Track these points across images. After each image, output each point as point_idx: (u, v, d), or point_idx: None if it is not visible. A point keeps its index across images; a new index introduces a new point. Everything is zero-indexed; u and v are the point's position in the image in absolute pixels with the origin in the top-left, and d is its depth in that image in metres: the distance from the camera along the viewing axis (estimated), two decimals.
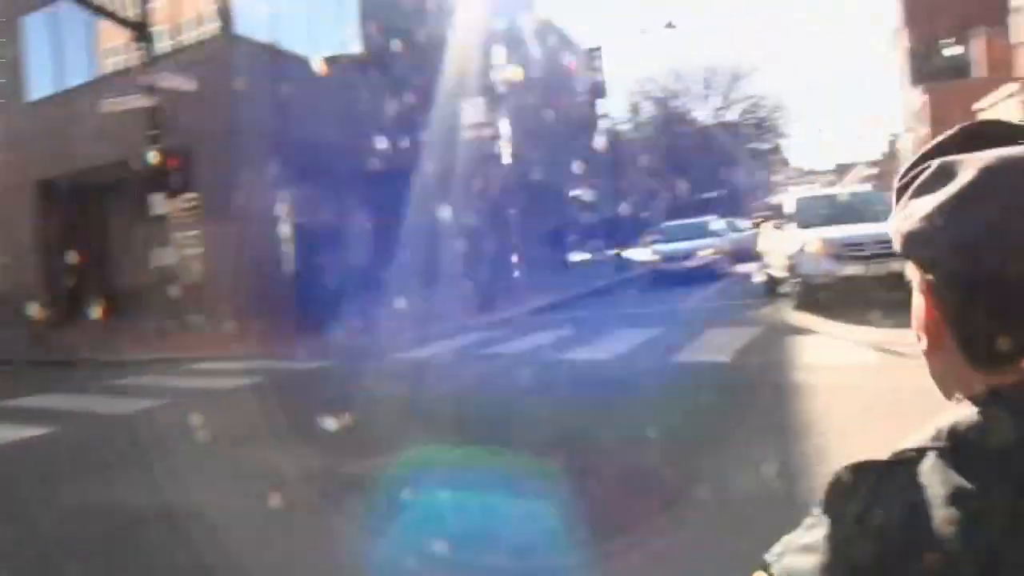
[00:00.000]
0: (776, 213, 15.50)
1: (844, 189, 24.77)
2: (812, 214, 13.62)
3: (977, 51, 58.14)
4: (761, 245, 15.82)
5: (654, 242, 22.95)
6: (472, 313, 15.46)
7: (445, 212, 17.62)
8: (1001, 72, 49.30)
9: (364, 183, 16.69)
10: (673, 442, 5.59)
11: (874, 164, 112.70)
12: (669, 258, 21.28)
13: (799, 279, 12.45)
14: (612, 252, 25.22)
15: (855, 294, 11.44)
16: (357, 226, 16.60)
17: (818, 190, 18.87)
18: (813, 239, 12.36)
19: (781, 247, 13.72)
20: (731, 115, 49.02)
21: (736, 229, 27.48)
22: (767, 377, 7.78)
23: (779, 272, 13.88)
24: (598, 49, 31.61)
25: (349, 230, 16.54)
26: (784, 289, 13.62)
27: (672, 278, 20.28)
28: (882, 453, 0.72)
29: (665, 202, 41.47)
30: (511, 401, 7.82)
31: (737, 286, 18.26)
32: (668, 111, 47.30)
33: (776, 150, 64.44)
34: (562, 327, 13.41)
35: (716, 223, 25.49)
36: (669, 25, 31.56)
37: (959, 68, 61.25)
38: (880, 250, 11.49)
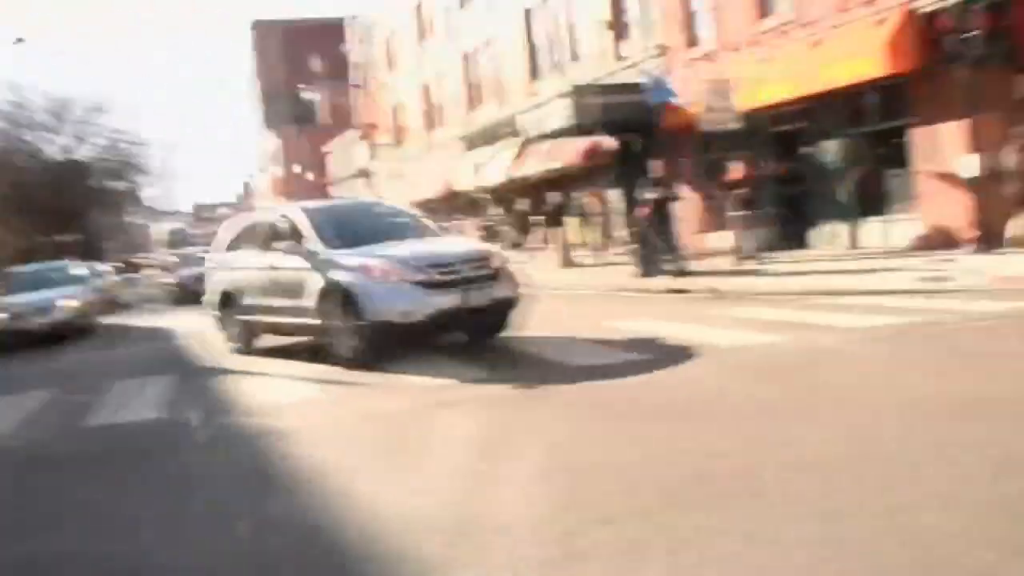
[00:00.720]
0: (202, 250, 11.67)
1: (358, 198, 21.75)
2: (332, 231, 9.73)
3: (322, 100, 63.73)
4: (219, 281, 11.57)
5: None
6: None
7: None
8: (343, 119, 54.94)
9: None
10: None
11: (231, 205, 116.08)
12: (19, 314, 16.73)
13: (362, 321, 8.67)
14: None
15: (439, 334, 9.25)
16: None
17: (327, 200, 16.31)
18: (376, 263, 8.83)
19: (285, 279, 9.81)
20: (87, 151, 45.41)
21: (99, 274, 25.30)
22: (217, 427, 6.90)
23: (277, 316, 10.15)
24: None
25: None
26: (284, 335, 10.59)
27: (27, 337, 16.16)
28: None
29: (9, 247, 36.60)
30: None
31: (137, 336, 16.79)
32: (11, 143, 41.93)
33: (135, 190, 61.96)
34: None
35: (77, 268, 22.33)
36: (18, 40, 28.34)
37: (308, 115, 66.50)
38: (475, 272, 9.09)
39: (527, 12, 27.89)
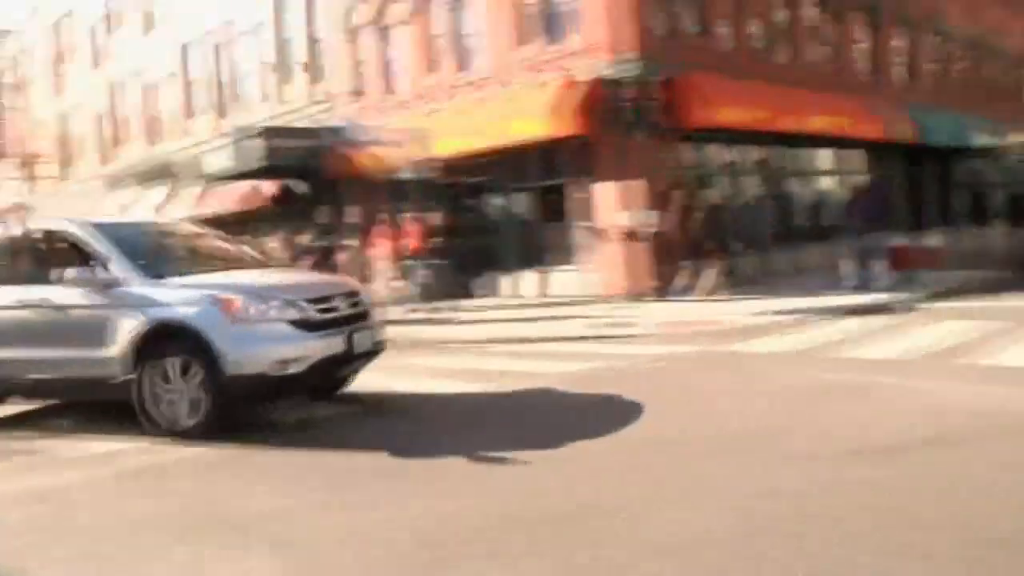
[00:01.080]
0: None
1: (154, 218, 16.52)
2: (146, 255, 7.22)
3: None
4: None
5: None
6: None
7: None
8: None
9: None
10: None
11: None
12: None
13: (221, 375, 6.41)
14: None
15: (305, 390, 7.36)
16: None
17: (121, 216, 12.16)
18: (236, 296, 6.62)
19: (71, 321, 6.99)
20: None
21: None
22: None
23: (52, 371, 7.14)
24: None
25: None
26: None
27: None
28: None
29: None
30: None
31: None
32: None
33: None
34: None
35: None
36: None
37: None
38: (353, 309, 7.31)
39: (184, 47, 26.25)
